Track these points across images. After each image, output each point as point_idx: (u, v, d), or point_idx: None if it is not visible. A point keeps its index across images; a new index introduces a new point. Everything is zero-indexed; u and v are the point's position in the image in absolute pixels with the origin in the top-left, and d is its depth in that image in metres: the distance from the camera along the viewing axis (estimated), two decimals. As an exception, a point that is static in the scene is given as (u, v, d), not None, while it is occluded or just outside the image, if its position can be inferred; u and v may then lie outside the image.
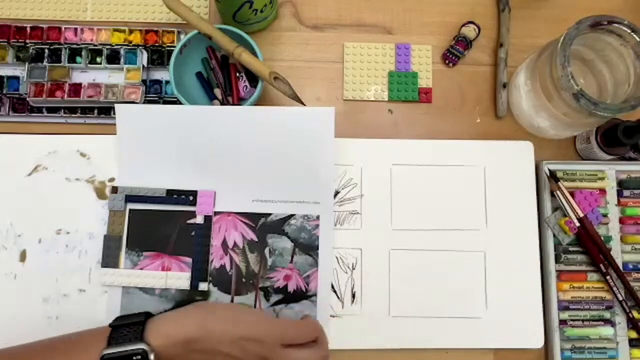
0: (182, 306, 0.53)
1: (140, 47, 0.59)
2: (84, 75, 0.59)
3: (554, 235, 0.56)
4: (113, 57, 0.59)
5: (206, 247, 0.54)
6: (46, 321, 0.53)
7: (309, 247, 0.54)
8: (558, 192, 0.55)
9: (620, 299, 0.54)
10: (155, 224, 0.54)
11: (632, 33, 0.50)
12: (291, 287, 0.54)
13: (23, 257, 0.54)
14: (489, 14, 0.63)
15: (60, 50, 0.58)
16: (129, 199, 0.54)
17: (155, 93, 0.59)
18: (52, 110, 0.58)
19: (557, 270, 0.55)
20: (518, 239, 0.56)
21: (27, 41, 0.58)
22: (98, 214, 0.55)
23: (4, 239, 0.54)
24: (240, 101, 0.57)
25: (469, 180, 0.57)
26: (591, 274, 0.56)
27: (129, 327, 0.43)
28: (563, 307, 0.55)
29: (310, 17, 0.62)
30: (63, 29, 0.59)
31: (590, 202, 0.55)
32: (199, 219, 0.54)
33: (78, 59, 0.58)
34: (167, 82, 0.59)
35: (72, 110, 0.58)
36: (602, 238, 0.55)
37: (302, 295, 0.54)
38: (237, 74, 0.58)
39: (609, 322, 0.55)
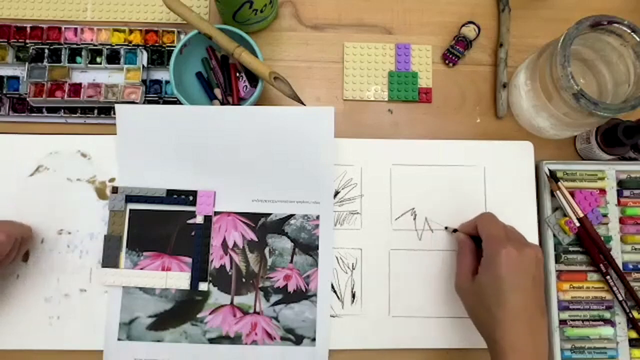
0: (182, 306, 0.53)
1: (140, 47, 0.59)
2: (84, 75, 0.59)
3: (554, 235, 0.56)
4: (113, 57, 0.59)
5: (206, 247, 0.54)
6: (47, 320, 0.53)
7: (309, 247, 0.55)
8: (558, 192, 0.55)
9: (620, 299, 0.54)
10: (155, 224, 0.54)
11: (632, 33, 0.50)
12: (291, 287, 0.54)
13: (26, 257, 0.54)
14: (489, 14, 0.63)
15: (60, 50, 0.58)
16: (129, 199, 0.54)
17: (155, 93, 0.59)
18: (52, 110, 0.58)
19: (557, 270, 0.55)
20: (518, 239, 0.56)
21: (27, 41, 0.58)
22: (99, 214, 0.55)
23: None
24: (240, 101, 0.57)
25: (469, 180, 0.57)
26: (591, 274, 0.56)
27: None
28: (563, 307, 0.55)
29: (310, 17, 0.62)
30: (63, 29, 0.59)
31: (590, 202, 0.55)
32: (199, 219, 0.54)
33: (78, 59, 0.58)
34: (167, 82, 0.59)
35: (72, 110, 0.58)
36: (602, 238, 0.55)
37: (302, 295, 0.54)
38: (237, 74, 0.58)
39: (609, 322, 0.55)
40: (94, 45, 0.58)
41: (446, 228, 0.56)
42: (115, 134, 0.55)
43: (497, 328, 0.43)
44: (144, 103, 0.58)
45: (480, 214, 0.51)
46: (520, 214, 0.56)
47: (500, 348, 0.42)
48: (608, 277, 0.54)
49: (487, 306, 0.44)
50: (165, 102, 0.58)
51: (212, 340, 0.53)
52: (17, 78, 0.58)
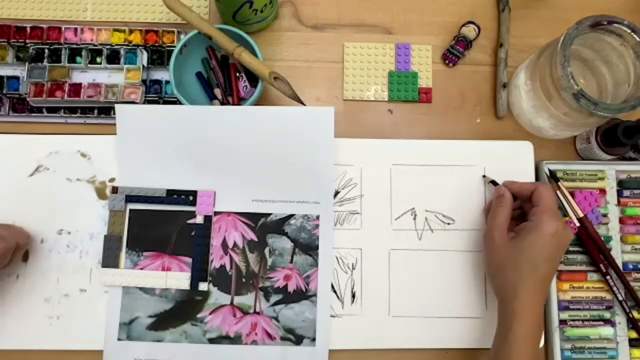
0: (182, 306, 0.53)
1: (140, 47, 0.59)
2: (84, 75, 0.59)
3: (554, 235, 0.56)
4: (113, 57, 0.58)
5: (206, 247, 0.54)
6: (47, 321, 0.53)
7: (309, 247, 0.55)
8: (558, 192, 0.55)
9: (620, 299, 0.54)
10: (155, 224, 0.54)
11: (632, 33, 0.50)
12: (291, 287, 0.54)
13: (25, 257, 0.54)
14: (489, 14, 0.63)
15: (60, 50, 0.58)
16: (129, 199, 0.54)
17: (155, 93, 0.59)
18: (52, 110, 0.58)
19: (557, 270, 0.55)
20: (518, 239, 0.56)
21: (27, 41, 0.58)
22: (99, 214, 0.55)
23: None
24: (240, 101, 0.57)
25: (469, 180, 0.57)
26: (591, 274, 0.56)
27: None
28: (563, 307, 0.55)
29: (310, 17, 0.62)
30: (63, 29, 0.59)
31: (590, 202, 0.55)
32: (199, 219, 0.54)
33: (78, 59, 0.58)
34: (167, 82, 0.59)
35: (72, 110, 0.58)
36: (602, 238, 0.55)
37: (302, 295, 0.54)
38: (237, 74, 0.58)
39: (609, 322, 0.55)
40: (94, 45, 0.58)
41: (484, 177, 0.56)
42: (115, 134, 0.55)
43: (520, 290, 0.46)
44: (144, 103, 0.58)
45: (537, 182, 0.54)
46: (520, 214, 0.56)
47: (515, 309, 0.46)
48: (608, 277, 0.54)
49: (520, 269, 0.46)
50: (165, 102, 0.58)
51: (212, 340, 0.53)
52: (17, 78, 0.58)
